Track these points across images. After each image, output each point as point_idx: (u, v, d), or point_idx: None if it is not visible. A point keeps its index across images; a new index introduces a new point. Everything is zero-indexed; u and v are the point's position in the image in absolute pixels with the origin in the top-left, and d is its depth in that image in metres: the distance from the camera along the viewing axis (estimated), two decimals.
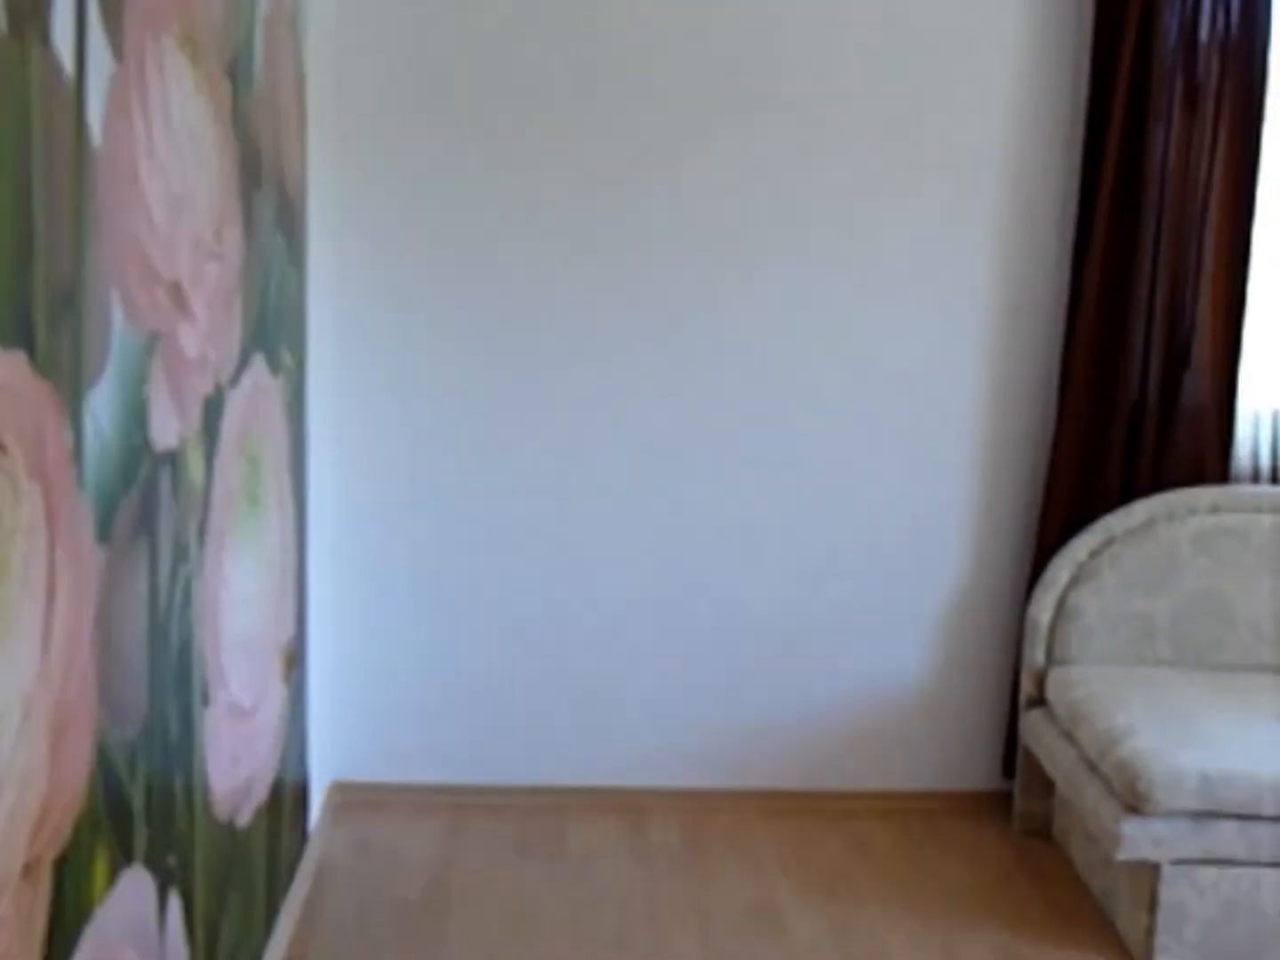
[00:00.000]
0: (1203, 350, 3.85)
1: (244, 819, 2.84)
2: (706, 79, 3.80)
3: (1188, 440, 3.88)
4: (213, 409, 2.50)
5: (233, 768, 2.72)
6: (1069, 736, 3.63)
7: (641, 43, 3.77)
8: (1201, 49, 3.72)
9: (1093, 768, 3.46)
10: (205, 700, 2.50)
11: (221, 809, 2.64)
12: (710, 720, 4.10)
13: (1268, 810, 3.22)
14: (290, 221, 3.24)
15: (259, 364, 2.88)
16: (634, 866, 3.77)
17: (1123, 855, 3.26)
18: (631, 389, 3.92)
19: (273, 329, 3.03)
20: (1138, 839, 3.24)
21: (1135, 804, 3.23)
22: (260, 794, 3.00)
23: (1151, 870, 3.28)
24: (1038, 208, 3.91)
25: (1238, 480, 3.97)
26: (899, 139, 3.85)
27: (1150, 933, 3.28)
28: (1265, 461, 3.98)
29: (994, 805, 4.12)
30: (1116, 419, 3.86)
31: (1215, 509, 3.86)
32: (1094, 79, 3.77)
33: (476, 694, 4.04)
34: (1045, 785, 3.92)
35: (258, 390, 2.87)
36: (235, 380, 2.67)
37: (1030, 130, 3.87)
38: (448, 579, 3.98)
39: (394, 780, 4.06)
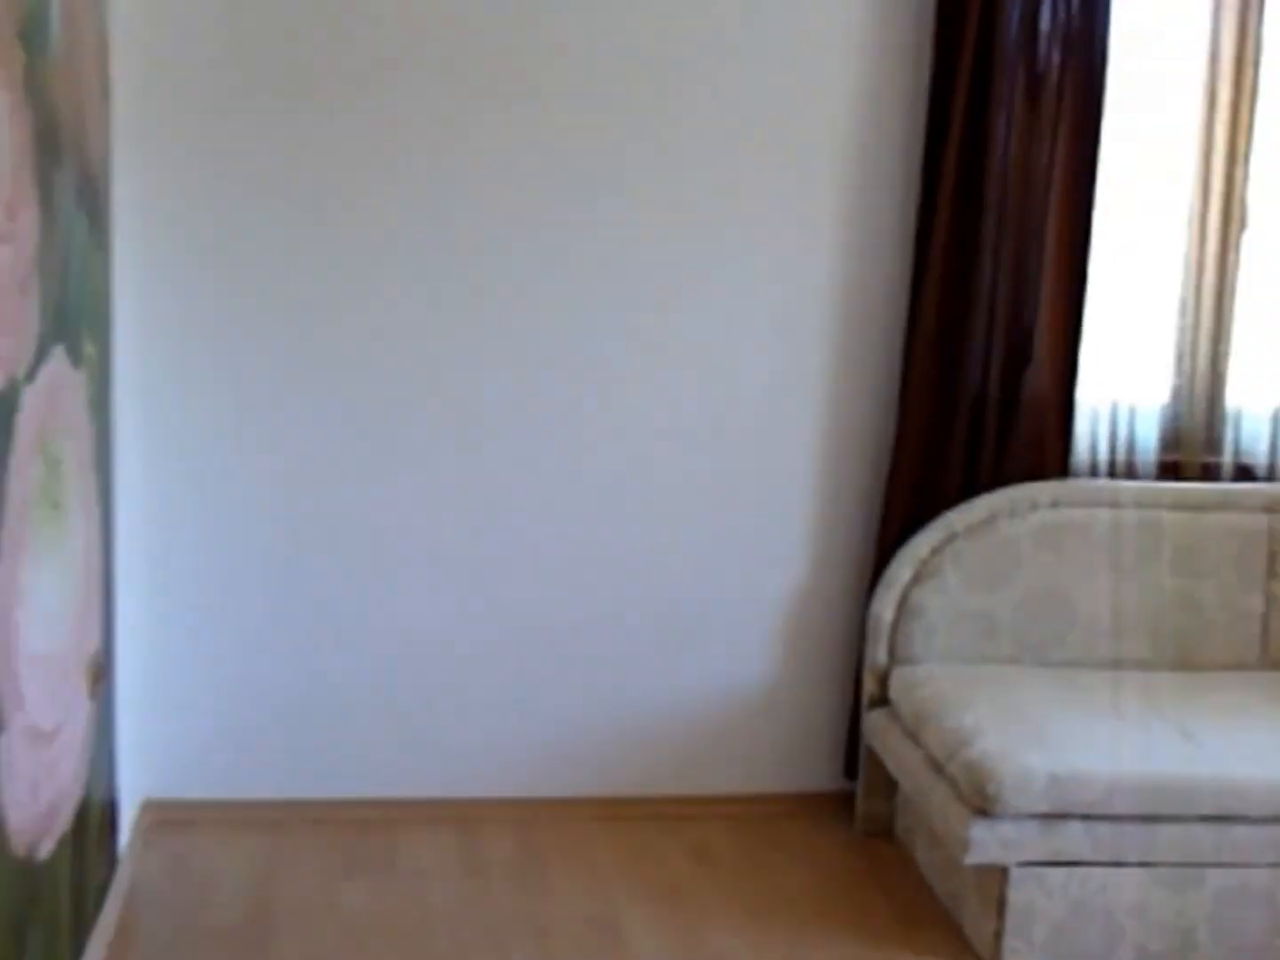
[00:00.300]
0: (1043, 344, 3.81)
1: (45, 851, 2.60)
2: (519, 67, 3.64)
3: (1029, 435, 3.84)
4: (6, 406, 2.27)
5: (32, 798, 2.49)
6: (914, 737, 3.56)
7: (469, 31, 3.60)
8: (1043, 39, 3.67)
9: (939, 769, 3.39)
10: None
11: (19, 844, 2.41)
12: (543, 726, 3.94)
13: (1115, 809, 3.18)
14: (93, 200, 3.00)
15: (59, 356, 2.64)
16: (468, 882, 3.59)
17: (972, 859, 3.19)
18: (451, 394, 3.74)
19: (74, 318, 2.79)
20: (986, 842, 3.18)
21: (984, 806, 3.16)
22: (64, 821, 2.77)
23: (1000, 873, 3.21)
24: (879, 202, 3.83)
25: (1077, 474, 3.94)
26: (736, 134, 3.74)
27: (999, 935, 3.22)
28: (1103, 455, 3.96)
29: (836, 806, 4.03)
30: (958, 414, 3.80)
31: (1056, 504, 3.83)
32: (936, 70, 3.69)
33: (296, 704, 3.82)
34: (888, 785, 3.85)
35: (57, 385, 2.63)
36: (31, 375, 2.43)
37: (871, 123, 3.78)
38: (263, 585, 3.76)
39: (210, 797, 3.82)
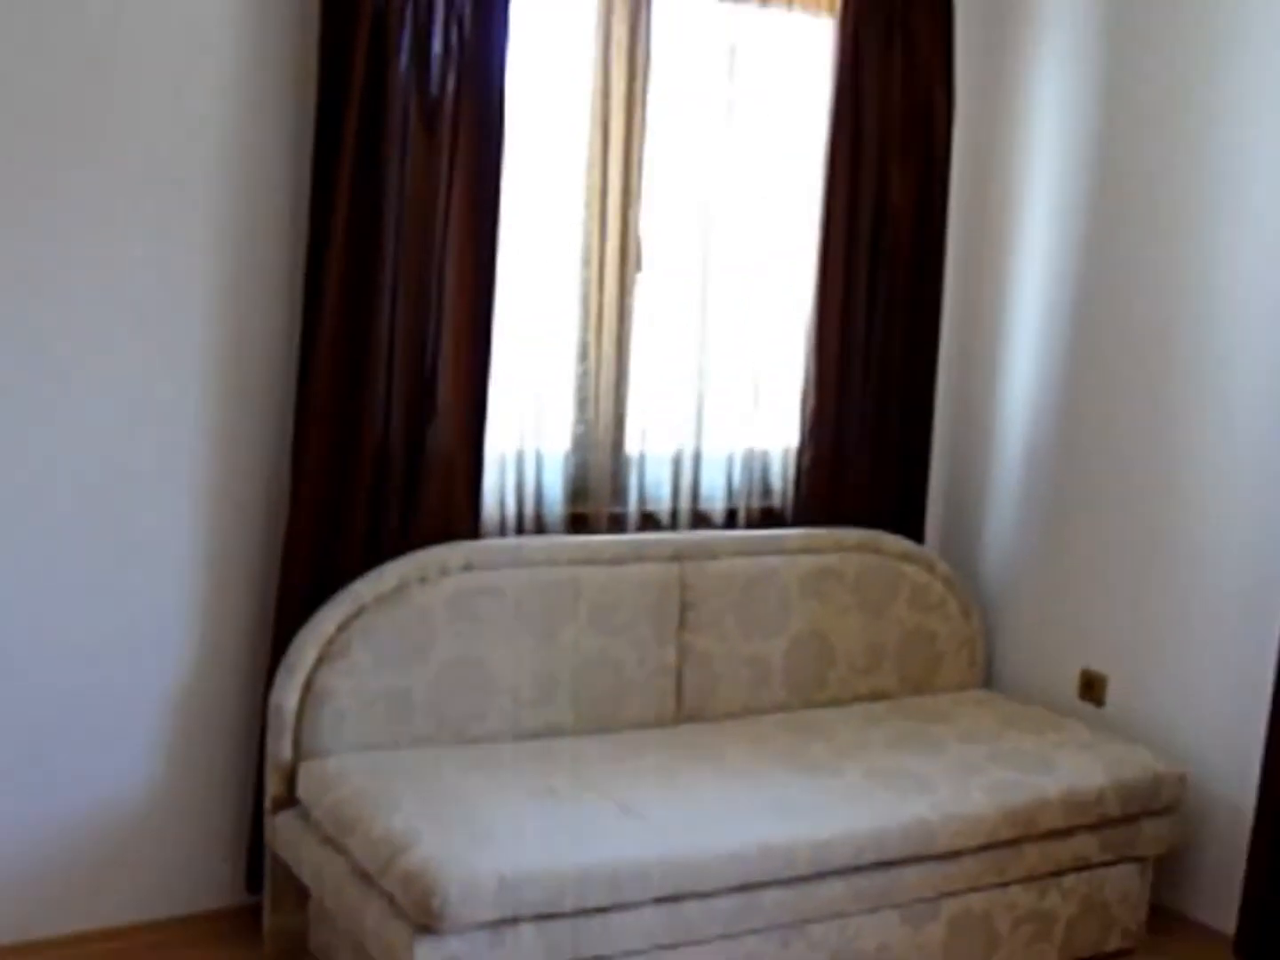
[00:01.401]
0: (448, 394, 3.51)
1: None
2: None
3: (436, 493, 3.53)
4: None
5: None
6: (334, 844, 3.13)
7: None
8: (435, 62, 3.36)
9: (371, 882, 2.99)
10: None
11: None
12: None
13: (568, 906, 2.91)
14: None
15: None
16: None
17: None
18: None
19: None
20: None
21: (429, 922, 2.79)
22: None
23: None
24: (262, 246, 3.40)
25: (487, 531, 3.67)
26: (97, 184, 3.20)
27: None
28: (512, 510, 3.71)
29: (239, 925, 3.52)
30: (359, 475, 3.43)
31: (468, 567, 3.53)
32: (322, 100, 3.30)
33: None
34: (299, 895, 3.40)
35: None
36: None
37: (252, 163, 3.36)
38: None
39: None
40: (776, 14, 3.91)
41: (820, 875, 3.20)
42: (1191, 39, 3.81)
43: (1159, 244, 3.89)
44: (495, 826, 3.03)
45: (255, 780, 3.48)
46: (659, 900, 3.02)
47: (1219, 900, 3.75)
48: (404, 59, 3.32)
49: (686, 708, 3.81)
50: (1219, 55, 3.74)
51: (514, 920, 2.88)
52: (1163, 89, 3.87)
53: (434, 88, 3.37)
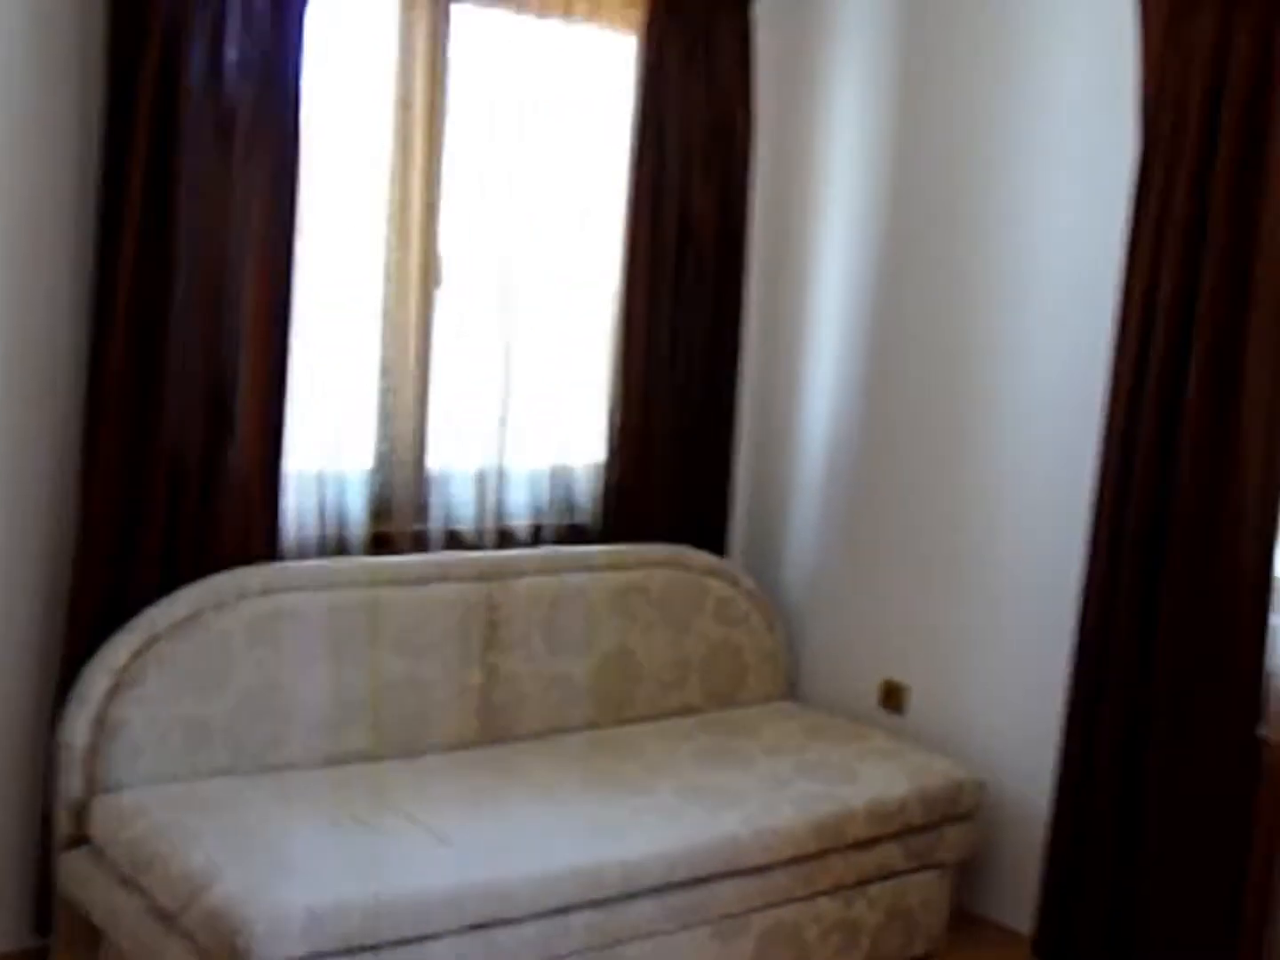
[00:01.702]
0: (245, 415, 3.39)
1: None
2: None
3: (234, 516, 3.41)
4: None
5: None
6: (131, 883, 3.00)
7: None
8: (229, 73, 3.25)
9: (171, 921, 2.87)
10: None
11: None
12: None
13: (380, 936, 2.83)
14: None
15: None
16: None
17: None
18: None
19: None
20: None
21: None
22: None
23: None
24: (47, 265, 3.25)
25: (287, 555, 3.56)
26: None
27: None
28: (313, 531, 3.62)
29: None
30: (153, 498, 3.30)
31: (267, 591, 3.42)
32: (111, 111, 3.17)
33: None
34: (91, 937, 3.25)
35: None
36: None
37: (36, 179, 3.21)
38: None
39: None
40: (580, 29, 3.89)
41: (631, 895, 3.18)
42: (987, 45, 3.91)
43: (957, 253, 3.98)
44: (300, 858, 2.95)
45: (43, 817, 3.32)
46: (471, 928, 2.96)
47: (1017, 902, 3.85)
48: (196, 69, 3.20)
49: (493, 729, 3.76)
50: (1015, 59, 3.84)
51: (323, 955, 2.79)
52: (959, 96, 3.97)
53: (228, 98, 3.26)
